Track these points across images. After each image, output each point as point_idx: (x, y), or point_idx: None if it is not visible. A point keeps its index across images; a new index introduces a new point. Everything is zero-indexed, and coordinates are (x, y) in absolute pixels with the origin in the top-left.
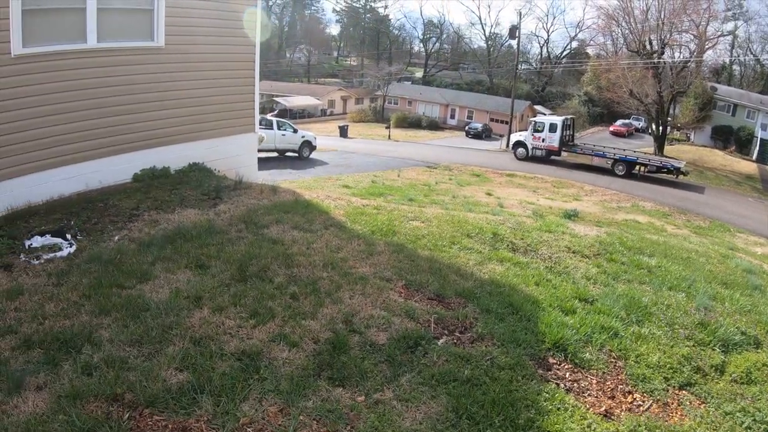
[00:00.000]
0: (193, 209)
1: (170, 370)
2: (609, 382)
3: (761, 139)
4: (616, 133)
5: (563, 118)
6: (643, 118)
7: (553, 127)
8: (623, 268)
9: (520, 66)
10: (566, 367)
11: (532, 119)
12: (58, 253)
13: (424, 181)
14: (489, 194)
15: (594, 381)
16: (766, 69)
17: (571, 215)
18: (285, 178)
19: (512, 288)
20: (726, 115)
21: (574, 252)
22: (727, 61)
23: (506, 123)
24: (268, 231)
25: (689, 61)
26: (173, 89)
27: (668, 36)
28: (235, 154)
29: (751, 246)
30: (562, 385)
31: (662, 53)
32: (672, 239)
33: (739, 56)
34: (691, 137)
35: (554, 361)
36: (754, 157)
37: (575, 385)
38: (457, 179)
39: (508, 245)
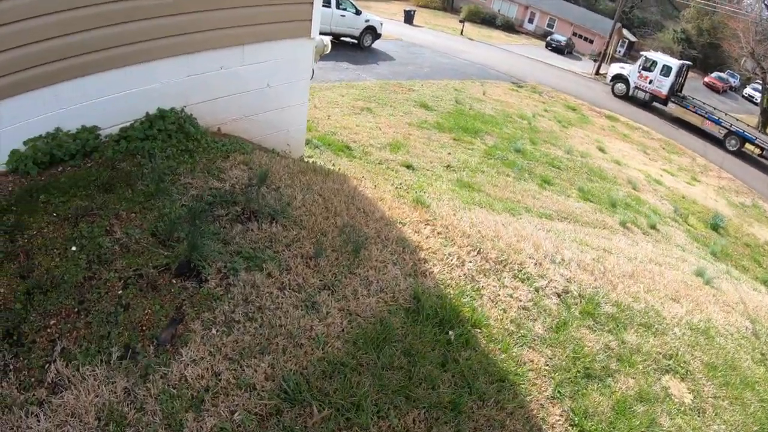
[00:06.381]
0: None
1: None
2: None
3: None
4: (710, 86)
5: (681, 62)
6: (738, 77)
7: (666, 70)
8: None
9: None
10: None
11: (643, 53)
12: None
13: (518, 109)
14: (602, 150)
15: None
16: None
17: (718, 226)
18: (340, 78)
19: None
20: None
21: None
22: None
23: (590, 42)
24: None
25: None
26: None
27: None
28: (261, 85)
29: None
30: None
31: None
32: None
33: None
34: None
35: None
36: None
37: None
38: (553, 112)
39: None
